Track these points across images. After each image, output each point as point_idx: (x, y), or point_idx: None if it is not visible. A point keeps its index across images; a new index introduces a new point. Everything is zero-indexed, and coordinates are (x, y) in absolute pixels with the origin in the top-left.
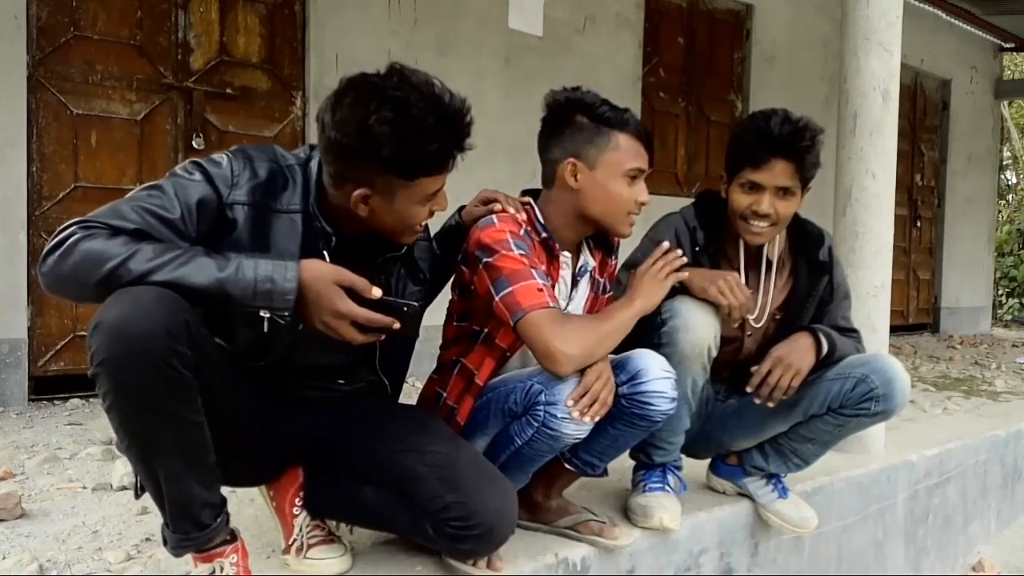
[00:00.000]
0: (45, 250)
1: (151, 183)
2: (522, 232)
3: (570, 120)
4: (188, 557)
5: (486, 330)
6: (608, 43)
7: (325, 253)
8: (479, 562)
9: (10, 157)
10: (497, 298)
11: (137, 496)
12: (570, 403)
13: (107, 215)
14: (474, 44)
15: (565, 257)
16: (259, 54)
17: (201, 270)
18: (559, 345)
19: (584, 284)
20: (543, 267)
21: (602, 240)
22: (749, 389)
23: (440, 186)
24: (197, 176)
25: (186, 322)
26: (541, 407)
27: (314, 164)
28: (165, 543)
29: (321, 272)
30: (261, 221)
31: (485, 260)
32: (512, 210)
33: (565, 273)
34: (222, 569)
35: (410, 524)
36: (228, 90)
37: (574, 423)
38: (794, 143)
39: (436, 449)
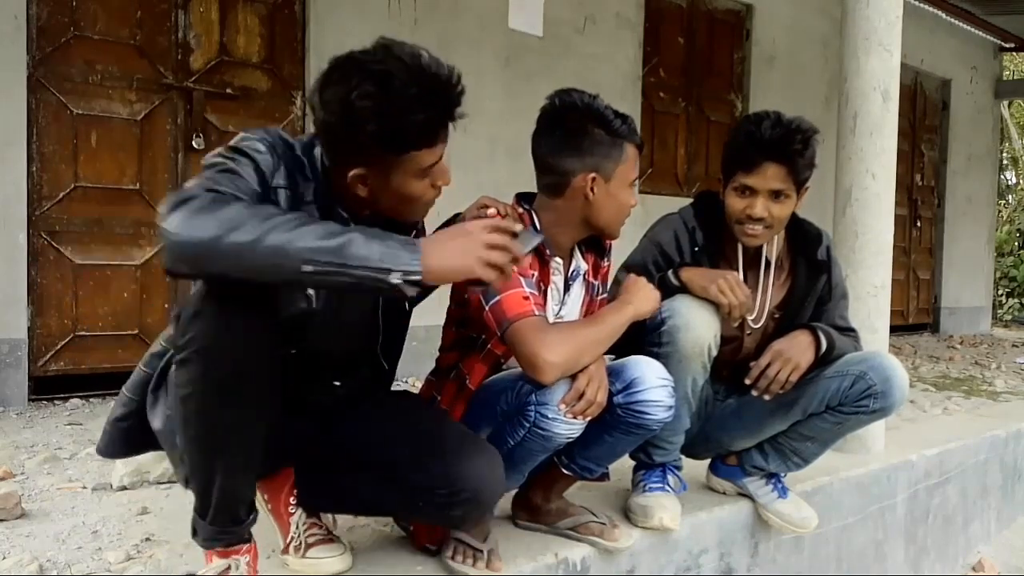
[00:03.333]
0: (174, 219)
1: (210, 173)
2: None
3: (585, 131)
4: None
5: (483, 337)
6: (608, 43)
7: None
8: (478, 562)
9: (10, 157)
10: (487, 308)
11: (186, 487)
12: (563, 407)
13: (215, 186)
14: (474, 44)
15: (556, 263)
16: (259, 54)
17: (363, 244)
18: (542, 354)
19: (577, 288)
20: (535, 273)
21: (593, 243)
22: (748, 381)
23: (436, 159)
24: (246, 163)
25: (278, 322)
26: (532, 407)
27: (318, 149)
28: (195, 534)
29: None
30: (295, 205)
31: None
32: (509, 218)
33: (557, 279)
34: (237, 567)
35: (402, 502)
36: (228, 90)
37: (565, 423)
38: (785, 146)
39: (421, 427)
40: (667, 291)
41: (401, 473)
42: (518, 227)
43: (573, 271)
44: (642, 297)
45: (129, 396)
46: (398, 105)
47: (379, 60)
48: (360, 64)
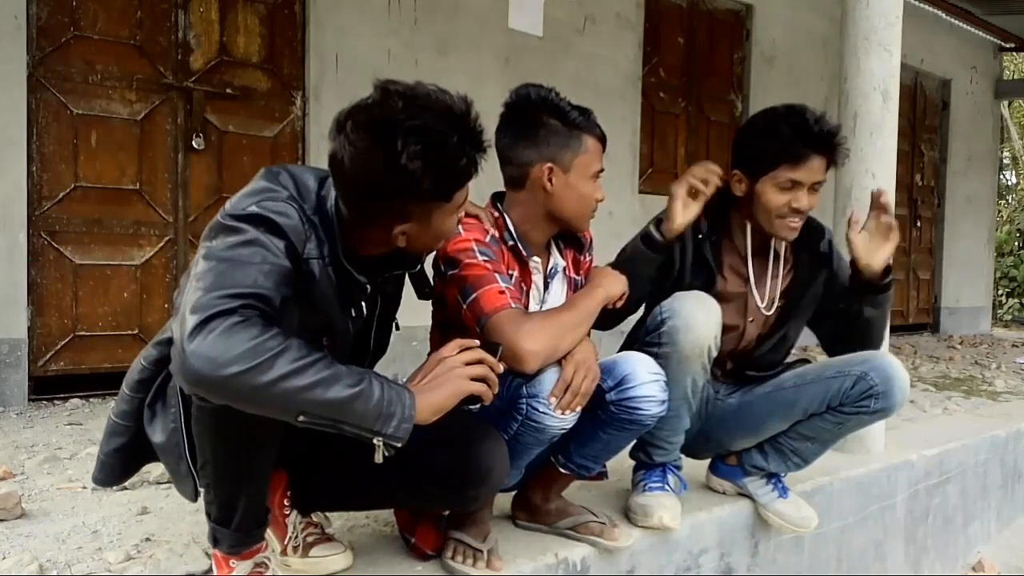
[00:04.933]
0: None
1: (234, 245)
2: (488, 238)
3: (540, 121)
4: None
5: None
6: (608, 43)
7: (363, 304)
8: (478, 562)
9: (10, 157)
10: (465, 306)
11: (194, 499)
12: (552, 400)
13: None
14: (474, 44)
15: (535, 262)
16: (259, 54)
17: (365, 403)
18: (521, 343)
19: (558, 284)
20: (515, 272)
21: (571, 239)
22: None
23: (468, 192)
24: (276, 240)
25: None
26: (523, 400)
27: (331, 204)
28: (216, 543)
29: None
30: (323, 270)
31: (451, 272)
32: (484, 221)
33: (537, 278)
34: (268, 566)
35: (414, 490)
36: (228, 90)
37: (556, 416)
38: (833, 140)
39: None
40: (652, 246)
41: (413, 460)
42: (473, 343)
43: (551, 268)
44: (610, 280)
45: (123, 424)
46: (446, 156)
47: (412, 115)
48: (395, 123)
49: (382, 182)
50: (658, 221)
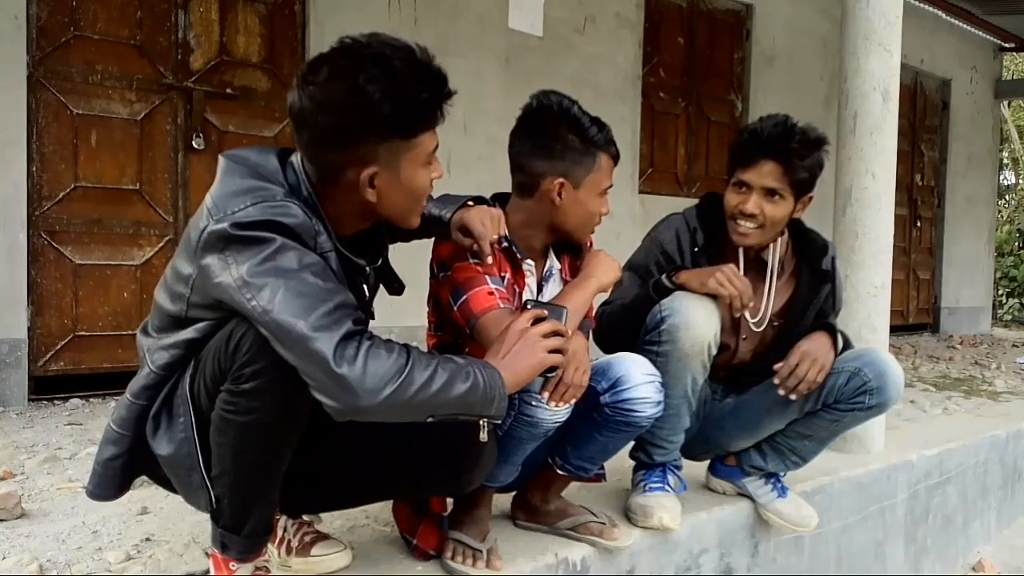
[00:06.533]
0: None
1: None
2: None
3: (558, 134)
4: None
5: (459, 340)
6: (608, 43)
7: (365, 288)
8: (478, 562)
9: (10, 157)
10: (455, 308)
11: (209, 508)
12: (544, 396)
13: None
14: (474, 44)
15: (528, 265)
16: (259, 54)
17: (472, 391)
18: None
19: (552, 287)
20: (507, 274)
21: (568, 244)
22: (776, 381)
23: (436, 143)
24: (300, 247)
25: None
26: (515, 394)
27: (306, 189)
28: (224, 549)
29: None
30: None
31: (442, 275)
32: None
33: (530, 280)
34: (268, 568)
35: (401, 478)
36: (228, 90)
37: (549, 409)
38: (782, 144)
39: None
40: (661, 294)
41: (402, 447)
42: (544, 312)
43: (547, 271)
44: (604, 269)
45: (120, 432)
46: (407, 83)
47: (371, 45)
48: (355, 52)
49: (342, 112)
50: (667, 274)
